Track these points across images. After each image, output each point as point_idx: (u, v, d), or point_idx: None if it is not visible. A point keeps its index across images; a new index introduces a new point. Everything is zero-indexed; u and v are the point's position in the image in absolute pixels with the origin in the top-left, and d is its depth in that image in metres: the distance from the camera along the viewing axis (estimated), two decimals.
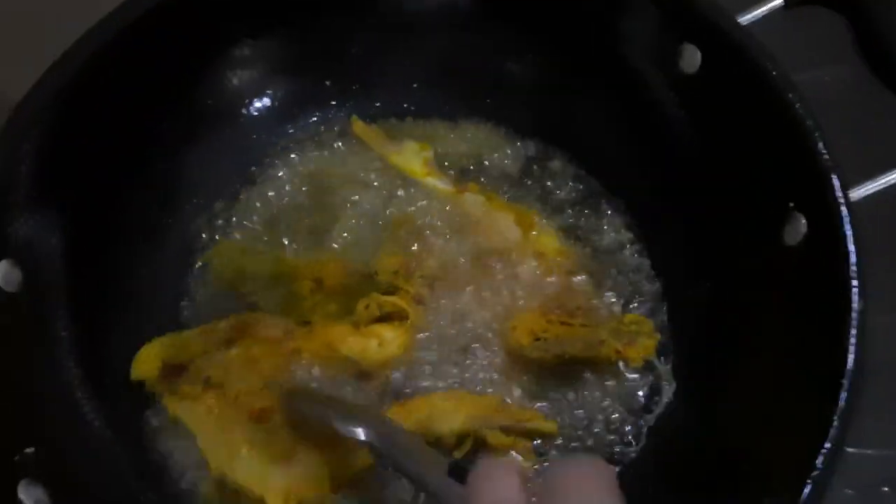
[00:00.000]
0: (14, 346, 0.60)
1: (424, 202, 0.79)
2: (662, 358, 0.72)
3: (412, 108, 0.84)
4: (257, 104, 0.82)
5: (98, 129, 0.67)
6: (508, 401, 0.69)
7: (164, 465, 0.67)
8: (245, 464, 0.65)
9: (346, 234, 0.78)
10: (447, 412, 0.66)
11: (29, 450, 0.56)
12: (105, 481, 0.62)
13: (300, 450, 0.65)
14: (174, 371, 0.69)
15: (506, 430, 0.66)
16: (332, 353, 0.69)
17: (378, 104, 0.84)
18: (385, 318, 0.71)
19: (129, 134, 0.70)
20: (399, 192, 0.80)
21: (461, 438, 0.66)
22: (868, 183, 0.61)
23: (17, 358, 0.60)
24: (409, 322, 0.71)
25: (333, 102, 0.84)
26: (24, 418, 0.58)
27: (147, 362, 0.69)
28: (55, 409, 0.62)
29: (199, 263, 0.77)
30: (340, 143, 0.83)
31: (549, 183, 0.81)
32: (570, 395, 0.71)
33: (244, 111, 0.82)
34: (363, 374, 0.70)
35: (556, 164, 0.82)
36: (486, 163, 0.83)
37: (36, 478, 0.55)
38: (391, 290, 0.73)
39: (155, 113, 0.72)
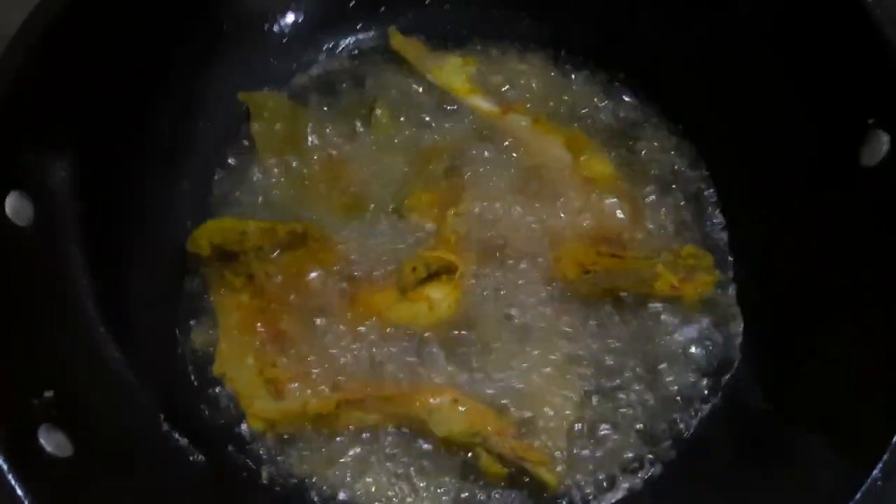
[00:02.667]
0: (28, 285, 0.56)
1: (464, 126, 0.73)
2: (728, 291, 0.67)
3: (447, 32, 0.78)
4: (282, 22, 0.76)
5: (108, 49, 0.61)
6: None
7: (189, 407, 0.64)
8: (245, 374, 0.64)
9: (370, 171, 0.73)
10: (448, 415, 0.61)
11: (48, 393, 0.52)
12: (127, 424, 0.58)
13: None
14: (226, 256, 0.67)
15: (502, 460, 0.61)
16: (380, 320, 0.66)
17: (410, 27, 0.77)
18: (433, 275, 0.66)
19: (143, 54, 0.64)
20: (427, 118, 0.74)
21: (453, 445, 0.62)
22: None
23: (31, 297, 0.55)
24: (457, 275, 0.66)
25: (360, 25, 0.79)
26: (41, 360, 0.54)
27: (205, 237, 0.67)
28: (73, 351, 0.57)
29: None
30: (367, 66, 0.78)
31: (602, 105, 0.75)
32: (626, 333, 0.66)
33: (268, 29, 0.76)
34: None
35: (612, 86, 0.76)
36: (534, 86, 0.76)
37: (56, 422, 0.51)
38: None
39: (171, 31, 0.66)
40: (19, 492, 0.46)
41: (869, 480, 0.45)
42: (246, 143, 0.74)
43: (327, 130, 0.74)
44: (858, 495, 0.45)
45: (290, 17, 0.76)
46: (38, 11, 0.57)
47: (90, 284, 0.59)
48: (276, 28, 0.76)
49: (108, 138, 0.62)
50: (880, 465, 0.45)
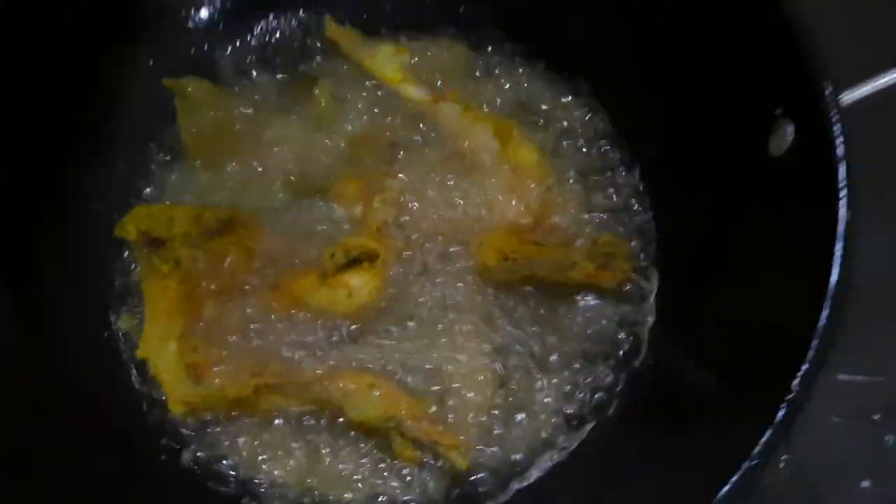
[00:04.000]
0: None
1: (395, 114, 0.74)
2: (644, 278, 0.68)
3: (377, 20, 0.78)
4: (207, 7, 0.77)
5: (25, 43, 0.62)
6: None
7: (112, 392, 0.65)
8: (168, 358, 0.65)
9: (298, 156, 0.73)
10: (363, 400, 0.62)
11: None
12: (41, 415, 0.59)
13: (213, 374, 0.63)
14: (153, 242, 0.67)
15: (416, 444, 0.62)
16: (300, 307, 0.66)
17: (341, 14, 0.77)
18: (354, 262, 0.67)
19: (60, 43, 0.64)
20: (359, 106, 0.74)
21: (368, 429, 0.63)
22: (861, 85, 0.56)
23: None
24: (379, 262, 0.66)
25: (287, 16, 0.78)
26: None
27: (132, 223, 0.67)
28: None
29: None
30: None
31: (532, 94, 0.75)
32: (545, 318, 0.67)
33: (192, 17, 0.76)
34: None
35: (542, 75, 0.76)
36: (465, 74, 0.76)
37: None
38: None
39: (94, 19, 0.67)
40: None
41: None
42: (176, 129, 0.74)
43: (253, 113, 0.74)
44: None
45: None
46: None
47: (8, 272, 0.60)
48: (200, 13, 0.76)
49: (31, 128, 0.63)
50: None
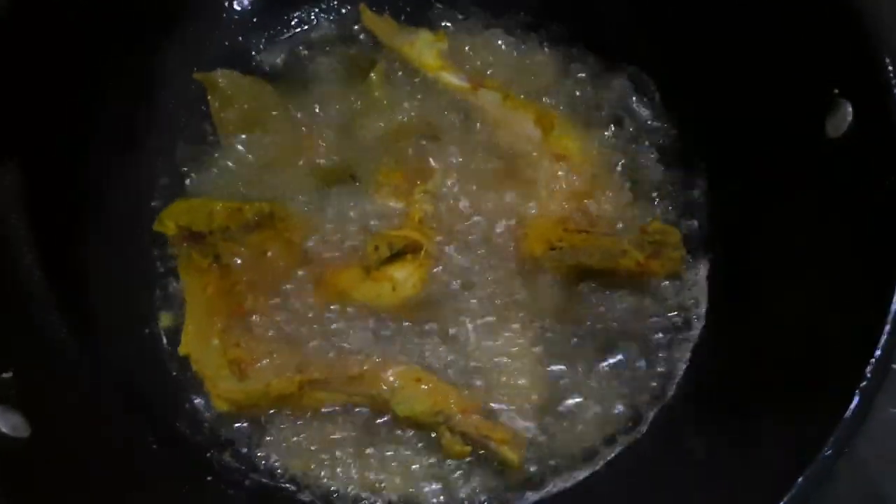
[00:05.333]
0: None
1: (435, 102, 0.72)
2: (697, 267, 0.67)
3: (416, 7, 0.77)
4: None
5: (59, 34, 0.61)
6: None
7: (154, 389, 0.64)
8: (210, 354, 0.64)
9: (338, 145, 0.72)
10: (411, 395, 0.61)
11: (6, 374, 0.52)
12: (87, 407, 0.58)
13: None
14: (193, 237, 0.67)
15: (465, 439, 0.61)
16: (344, 300, 0.65)
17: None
18: (398, 254, 0.66)
19: (95, 37, 0.64)
20: (405, 103, 0.73)
21: (416, 424, 0.62)
22: None
23: None
24: (422, 253, 0.65)
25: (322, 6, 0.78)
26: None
27: (171, 218, 0.67)
28: (34, 334, 0.58)
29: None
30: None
31: (574, 80, 0.74)
32: (594, 310, 0.65)
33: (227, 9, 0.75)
34: None
35: (585, 63, 0.74)
36: (505, 62, 0.75)
37: (13, 404, 0.51)
38: None
39: (127, 14, 0.66)
40: None
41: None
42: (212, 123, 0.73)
43: (289, 102, 0.73)
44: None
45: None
46: None
47: (52, 269, 0.60)
48: (235, 5, 0.76)
49: (69, 125, 0.62)
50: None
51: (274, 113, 0.72)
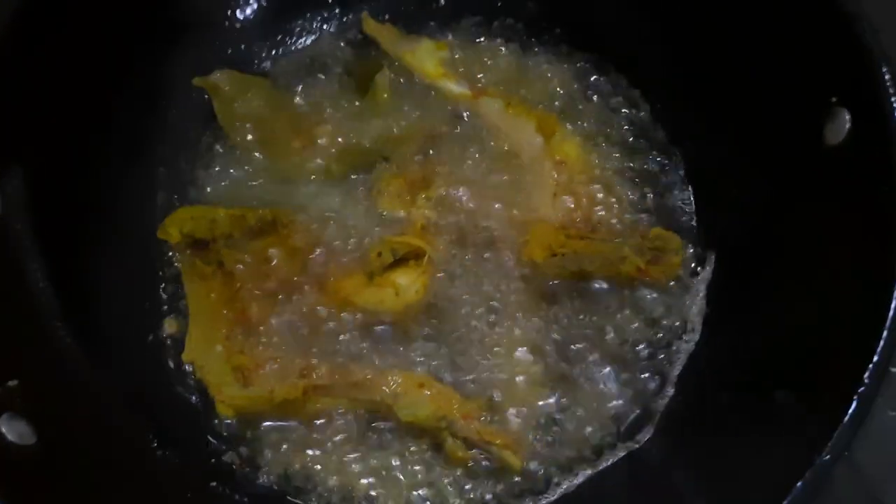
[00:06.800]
0: None
1: (437, 110, 0.73)
2: (695, 271, 0.67)
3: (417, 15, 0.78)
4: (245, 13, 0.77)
5: (66, 48, 0.62)
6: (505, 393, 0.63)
7: (158, 394, 0.65)
8: (214, 361, 0.65)
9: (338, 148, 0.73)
10: (414, 400, 0.61)
11: (12, 382, 0.52)
12: (92, 414, 0.59)
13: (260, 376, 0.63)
14: (196, 244, 0.68)
15: (467, 444, 0.61)
16: (347, 306, 0.66)
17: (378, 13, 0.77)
18: (400, 260, 0.66)
19: (101, 49, 0.64)
20: (407, 110, 0.74)
21: (419, 430, 0.62)
22: None
23: None
24: (425, 259, 0.66)
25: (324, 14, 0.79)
26: (4, 349, 0.54)
27: (175, 225, 0.67)
28: (38, 341, 0.58)
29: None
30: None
31: (573, 88, 0.75)
32: (594, 315, 0.66)
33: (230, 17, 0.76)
34: None
35: (582, 69, 0.75)
36: (505, 69, 0.76)
37: (19, 411, 0.51)
38: None
39: (128, 26, 0.66)
40: None
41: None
42: (215, 127, 0.74)
43: (293, 104, 0.74)
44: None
45: (248, 10, 0.76)
46: None
47: (53, 275, 0.60)
48: (238, 14, 0.76)
49: (72, 133, 0.62)
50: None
51: (277, 116, 0.73)
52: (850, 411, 0.46)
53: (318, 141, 0.73)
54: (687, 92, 0.69)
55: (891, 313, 0.47)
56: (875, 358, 0.47)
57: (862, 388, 0.46)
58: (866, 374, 0.46)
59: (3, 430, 0.50)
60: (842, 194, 0.55)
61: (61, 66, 0.61)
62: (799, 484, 0.45)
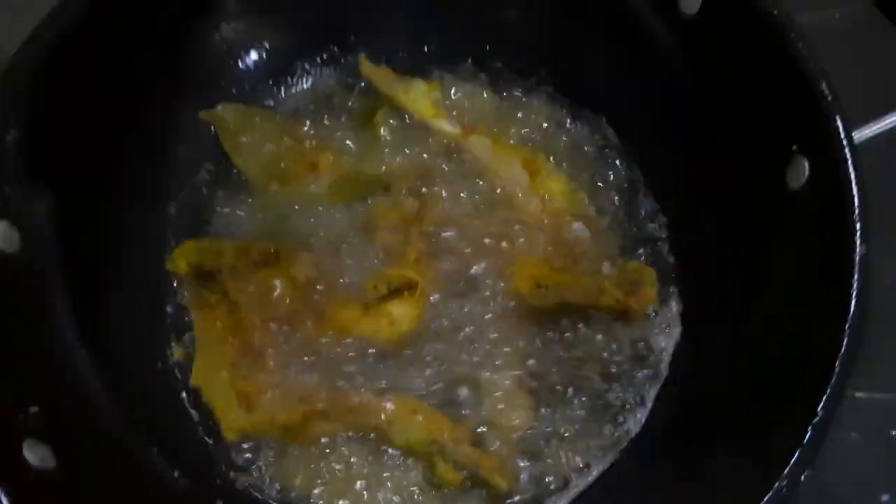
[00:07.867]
0: (16, 307, 0.60)
1: (429, 148, 0.78)
2: (669, 303, 0.72)
3: (406, 59, 0.83)
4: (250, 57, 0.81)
5: (86, 90, 0.66)
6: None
7: (168, 424, 0.68)
8: (219, 386, 0.68)
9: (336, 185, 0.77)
10: (407, 425, 0.65)
11: (33, 409, 0.56)
12: (109, 438, 0.62)
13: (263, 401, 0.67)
14: (203, 275, 0.72)
15: (458, 466, 0.65)
16: (344, 335, 0.70)
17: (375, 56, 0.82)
18: (395, 291, 0.71)
19: (120, 93, 0.69)
20: (403, 147, 0.79)
21: (412, 453, 0.66)
22: (873, 123, 0.59)
23: (18, 318, 0.60)
24: (418, 291, 0.70)
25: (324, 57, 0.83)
26: (26, 378, 0.58)
27: (182, 257, 0.71)
28: (57, 369, 0.62)
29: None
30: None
31: (556, 128, 0.80)
32: (577, 343, 0.71)
33: (235, 65, 0.81)
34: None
35: (564, 111, 0.81)
36: (490, 110, 0.81)
37: (41, 437, 0.55)
38: None
39: (143, 74, 0.71)
40: (5, 502, 0.50)
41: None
42: (222, 160, 0.78)
43: (297, 139, 0.79)
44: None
45: (253, 54, 0.81)
46: (20, 54, 0.61)
47: (74, 306, 0.63)
48: (241, 64, 0.81)
49: (90, 171, 0.66)
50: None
51: (282, 151, 0.77)
52: (806, 439, 0.50)
53: (321, 172, 0.77)
54: (662, 138, 0.74)
55: (843, 348, 0.52)
56: (829, 390, 0.51)
57: (816, 419, 0.51)
58: (820, 406, 0.51)
59: (26, 454, 0.54)
60: (803, 233, 0.60)
61: (81, 110, 0.66)
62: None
